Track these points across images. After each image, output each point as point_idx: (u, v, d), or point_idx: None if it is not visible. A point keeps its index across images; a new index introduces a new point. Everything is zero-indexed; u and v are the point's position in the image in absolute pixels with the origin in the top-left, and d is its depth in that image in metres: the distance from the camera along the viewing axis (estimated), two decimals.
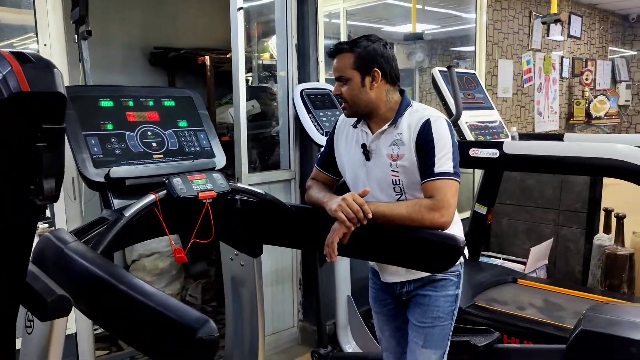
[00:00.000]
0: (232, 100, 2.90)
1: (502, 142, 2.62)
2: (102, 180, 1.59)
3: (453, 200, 1.58)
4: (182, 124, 1.88)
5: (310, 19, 3.00)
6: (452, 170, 1.60)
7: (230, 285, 2.17)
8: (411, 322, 1.80)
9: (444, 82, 2.92)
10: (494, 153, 2.62)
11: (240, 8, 2.70)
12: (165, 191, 1.56)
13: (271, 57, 3.77)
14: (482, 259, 3.76)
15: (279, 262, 3.15)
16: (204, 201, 1.59)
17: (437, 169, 1.58)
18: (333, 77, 3.46)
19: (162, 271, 3.76)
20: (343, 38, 5.28)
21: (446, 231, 1.58)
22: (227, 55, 3.52)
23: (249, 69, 3.76)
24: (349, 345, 2.87)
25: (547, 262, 3.83)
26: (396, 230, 1.59)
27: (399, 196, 1.69)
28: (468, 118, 3.03)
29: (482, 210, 3.44)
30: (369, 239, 1.68)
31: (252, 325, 2.12)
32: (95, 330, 2.41)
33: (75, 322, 2.23)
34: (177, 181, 1.58)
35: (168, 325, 0.95)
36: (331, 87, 2.96)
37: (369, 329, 2.79)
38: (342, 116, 1.83)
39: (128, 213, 1.46)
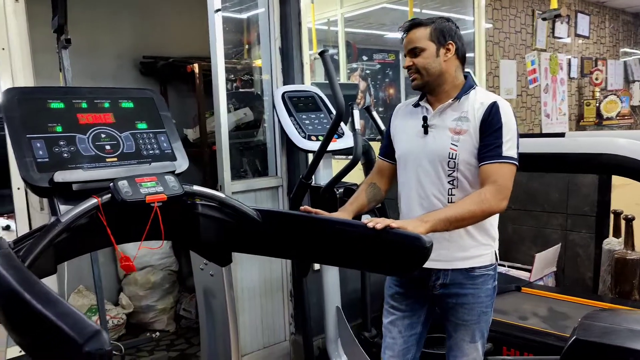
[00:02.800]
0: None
1: None
2: (46, 185, 1.49)
3: (511, 186, 1.62)
4: (141, 125, 1.77)
5: (294, 21, 2.91)
6: (516, 156, 1.65)
7: (202, 296, 2.06)
8: (454, 323, 1.80)
9: None
10: None
11: (218, 10, 2.62)
12: (109, 195, 1.45)
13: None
14: None
15: (268, 272, 3.03)
16: (152, 205, 1.48)
17: (505, 152, 1.62)
18: (323, 80, 3.36)
19: (154, 285, 3.67)
20: (342, 45, 5.21)
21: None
22: None
23: (246, 74, 3.69)
24: None
25: (555, 269, 3.63)
26: (362, 233, 1.47)
27: (451, 172, 1.69)
28: None
29: None
30: (334, 244, 1.59)
31: (225, 338, 2.00)
32: None
33: None
34: (122, 184, 1.47)
35: (59, 337, 0.85)
36: (316, 90, 2.86)
37: (360, 342, 2.64)
38: (401, 103, 1.94)
39: (64, 219, 1.35)
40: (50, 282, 1.55)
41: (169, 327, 3.70)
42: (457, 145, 1.68)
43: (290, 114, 2.61)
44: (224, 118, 2.72)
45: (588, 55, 6.24)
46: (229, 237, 1.80)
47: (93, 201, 1.42)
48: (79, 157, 1.59)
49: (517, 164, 1.65)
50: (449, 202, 1.71)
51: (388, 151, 1.91)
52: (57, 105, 1.65)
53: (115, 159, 1.65)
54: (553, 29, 5.14)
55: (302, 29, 2.93)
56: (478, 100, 1.70)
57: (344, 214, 1.78)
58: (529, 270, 3.43)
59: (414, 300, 1.85)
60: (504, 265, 3.71)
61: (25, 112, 1.58)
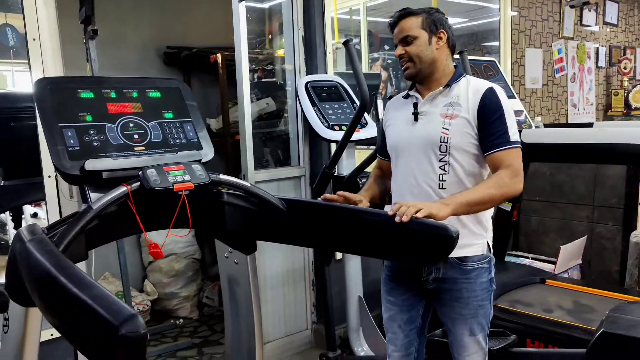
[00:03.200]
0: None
1: (520, 131, 2.44)
2: (78, 173, 1.52)
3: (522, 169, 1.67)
4: (168, 115, 1.79)
5: (317, 10, 2.91)
6: (519, 139, 1.69)
7: (227, 284, 2.08)
8: (451, 317, 1.79)
9: None
10: None
11: (242, 0, 2.63)
12: (138, 183, 1.48)
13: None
14: (509, 259, 3.55)
15: (290, 261, 3.06)
16: (180, 193, 1.50)
17: (512, 137, 1.65)
18: (344, 70, 3.35)
19: (178, 272, 3.73)
20: (364, 34, 5.16)
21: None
22: None
23: (269, 64, 3.70)
24: (361, 349, 2.74)
25: (580, 262, 3.58)
26: (387, 222, 1.47)
27: (442, 156, 1.68)
28: None
29: (507, 206, 3.23)
30: (359, 233, 1.59)
31: (249, 326, 2.02)
32: None
33: None
34: (151, 172, 1.50)
35: (96, 319, 0.87)
36: (339, 79, 2.85)
37: (382, 332, 2.65)
38: (392, 98, 1.96)
39: (96, 206, 1.38)
40: None
41: (192, 314, 3.76)
42: (448, 129, 1.68)
43: (313, 104, 2.62)
44: (247, 108, 2.73)
45: (616, 44, 6.08)
46: (253, 225, 1.82)
47: (123, 189, 1.45)
48: (108, 145, 1.62)
49: (520, 146, 1.70)
50: (439, 189, 1.70)
51: (383, 148, 1.92)
52: (87, 94, 1.68)
53: (143, 148, 1.68)
54: (581, 16, 5.01)
55: (325, 18, 2.92)
56: (471, 86, 1.71)
57: (361, 196, 1.80)
58: (554, 263, 3.39)
59: (410, 295, 1.84)
60: (527, 257, 3.68)
61: (57, 101, 1.61)
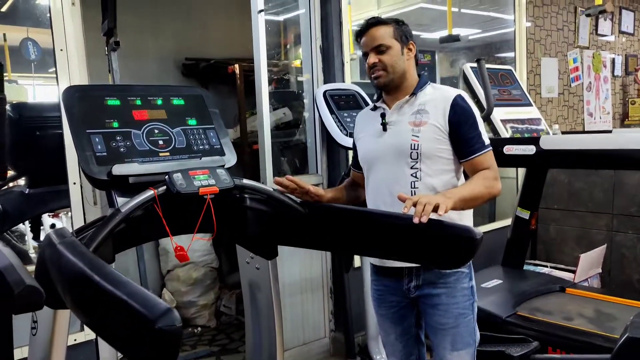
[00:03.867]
0: None
1: (539, 138, 2.45)
2: (105, 178, 1.56)
3: None
4: (191, 122, 1.83)
5: (334, 20, 2.95)
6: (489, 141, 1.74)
7: (248, 290, 2.09)
8: (432, 327, 1.76)
9: (475, 77, 2.78)
10: (529, 150, 2.46)
11: (261, 10, 2.68)
12: (165, 187, 1.51)
13: (302, 63, 3.74)
14: (527, 267, 3.52)
15: (308, 269, 3.06)
16: (205, 197, 1.53)
17: (485, 141, 1.70)
18: (359, 80, 3.37)
19: (195, 281, 3.75)
20: None
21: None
22: None
23: (287, 73, 3.74)
24: (380, 356, 2.73)
25: (600, 271, 3.54)
26: (409, 225, 1.48)
27: (414, 163, 1.70)
28: (503, 115, 2.86)
29: (525, 214, 3.22)
30: (380, 237, 1.60)
31: (270, 331, 2.03)
32: None
33: None
34: (177, 176, 1.53)
35: (131, 315, 0.90)
36: (357, 88, 2.88)
37: None
38: (361, 111, 1.96)
39: (124, 209, 1.41)
40: None
41: (210, 323, 3.78)
42: (418, 137, 1.69)
43: (332, 112, 2.65)
44: (266, 117, 2.77)
45: (633, 53, 6.06)
46: (275, 230, 1.84)
47: (150, 193, 1.48)
48: (134, 151, 1.66)
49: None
50: (412, 195, 1.68)
51: (356, 160, 1.93)
52: (113, 102, 1.72)
53: (168, 154, 1.72)
54: (596, 25, 5.01)
55: (343, 29, 2.96)
56: (439, 93, 1.74)
57: (321, 189, 1.81)
58: (573, 272, 3.36)
59: (399, 308, 1.84)
60: (546, 266, 3.65)
61: (85, 108, 1.65)
